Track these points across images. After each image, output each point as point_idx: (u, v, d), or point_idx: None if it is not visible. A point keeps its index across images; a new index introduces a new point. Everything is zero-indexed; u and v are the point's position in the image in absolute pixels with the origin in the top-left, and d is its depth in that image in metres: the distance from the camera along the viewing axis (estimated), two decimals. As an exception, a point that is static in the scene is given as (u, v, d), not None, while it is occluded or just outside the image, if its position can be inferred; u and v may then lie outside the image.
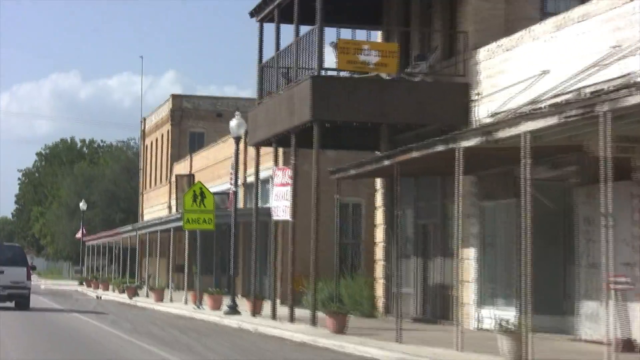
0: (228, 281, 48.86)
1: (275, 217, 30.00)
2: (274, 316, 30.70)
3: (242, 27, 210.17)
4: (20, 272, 35.82)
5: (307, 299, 37.33)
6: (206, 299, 39.17)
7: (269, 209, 32.84)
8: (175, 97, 68.53)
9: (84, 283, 76.66)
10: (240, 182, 48.73)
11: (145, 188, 77.79)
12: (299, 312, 29.98)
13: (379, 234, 32.00)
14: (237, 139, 34.65)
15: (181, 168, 64.80)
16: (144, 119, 78.72)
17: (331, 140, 29.89)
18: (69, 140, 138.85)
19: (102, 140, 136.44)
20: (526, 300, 17.12)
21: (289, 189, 28.52)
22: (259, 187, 34.85)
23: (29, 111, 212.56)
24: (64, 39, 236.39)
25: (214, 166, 53.00)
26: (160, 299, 45.99)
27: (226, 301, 37.86)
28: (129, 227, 56.93)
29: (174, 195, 65.61)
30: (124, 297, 53.46)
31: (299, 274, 38.33)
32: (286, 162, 35.01)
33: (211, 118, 68.16)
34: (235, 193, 34.73)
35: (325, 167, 27.91)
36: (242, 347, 22.15)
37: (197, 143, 67.08)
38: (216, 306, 37.54)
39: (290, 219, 28.55)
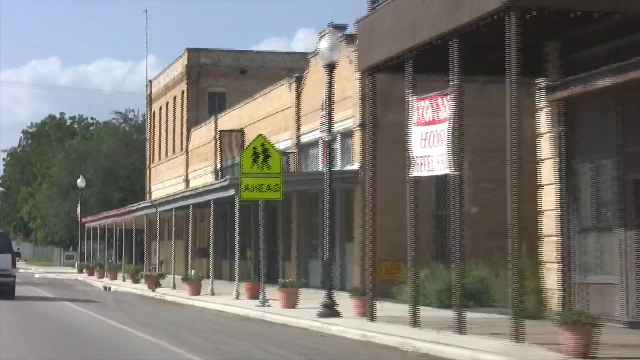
0: (269, 268, 38.58)
1: (417, 173, 19.97)
2: (379, 318, 20.80)
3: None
4: (5, 259, 33.99)
5: (404, 291, 27.72)
6: (269, 293, 29.25)
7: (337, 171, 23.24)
8: (191, 52, 58.23)
9: (85, 271, 66.45)
10: (292, 142, 38.62)
11: (153, 161, 67.52)
12: (391, 306, 24.31)
13: (548, 198, 21.94)
14: (331, 67, 24.54)
15: (201, 134, 54.58)
16: (150, 82, 68.36)
17: (475, 63, 19.97)
18: (57, 117, 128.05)
19: (92, 118, 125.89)
20: None
21: (445, 127, 18.46)
22: (369, 134, 24.89)
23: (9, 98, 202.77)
24: (42, 26, 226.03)
25: (256, 124, 42.78)
26: (196, 291, 35.92)
27: (305, 296, 28.12)
28: (146, 203, 46.73)
29: (195, 166, 55.42)
30: (140, 289, 43.42)
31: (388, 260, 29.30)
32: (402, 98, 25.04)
33: (233, 75, 58.05)
34: (330, 144, 24.52)
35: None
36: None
37: (217, 105, 56.92)
38: (290, 304, 27.56)
39: (452, 172, 18.47)
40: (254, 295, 31.40)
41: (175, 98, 61.00)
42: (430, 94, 19.40)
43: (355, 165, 33.05)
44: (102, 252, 79.38)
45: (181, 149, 58.84)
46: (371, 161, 22.54)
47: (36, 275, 67.21)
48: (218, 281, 41.07)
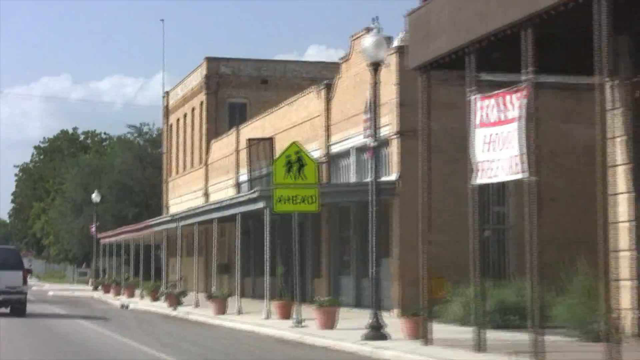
0: (291, 285, 36.25)
1: (480, 180, 17.91)
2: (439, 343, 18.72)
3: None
4: (16, 276, 33.59)
5: (450, 310, 25.83)
6: (305, 312, 27.25)
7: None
8: (210, 61, 56.27)
9: (100, 288, 64.44)
10: (321, 152, 36.63)
11: (171, 175, 65.55)
12: (440, 327, 21.75)
13: (622, 208, 19.84)
14: (376, 66, 22.49)
15: (222, 146, 52.61)
16: (167, 93, 66.44)
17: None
18: (70, 132, 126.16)
19: (105, 133, 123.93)
20: None
21: (514, 127, 16.40)
22: (423, 141, 22.88)
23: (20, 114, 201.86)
24: (54, 42, 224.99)
25: (282, 134, 40.76)
26: (222, 310, 33.89)
27: (340, 315, 26.10)
28: (166, 217, 44.74)
29: (215, 180, 53.43)
30: (160, 307, 41.43)
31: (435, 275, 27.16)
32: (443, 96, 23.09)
33: (254, 85, 56.08)
34: (375, 151, 22.46)
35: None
36: None
37: (238, 116, 54.94)
38: (328, 324, 25.50)
39: (526, 177, 16.38)
40: (286, 315, 29.39)
41: (193, 109, 59.07)
42: (496, 92, 17.35)
43: (393, 176, 31.02)
44: (117, 269, 77.45)
45: (200, 162, 56.87)
46: (426, 170, 20.51)
47: (50, 293, 65.26)
48: (242, 299, 39.03)
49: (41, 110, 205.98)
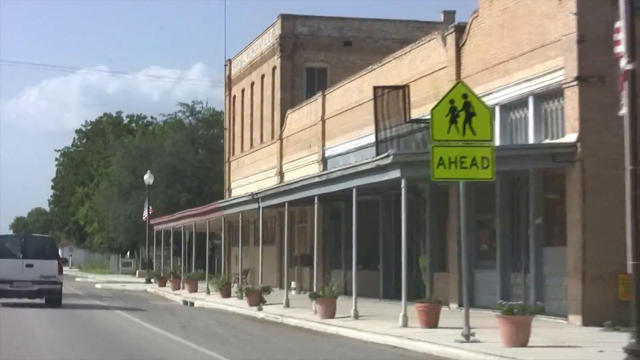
0: (408, 281, 27.91)
1: None
2: None
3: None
4: (51, 265, 33.14)
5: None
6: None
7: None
8: (285, 19, 48.43)
9: (154, 280, 57.04)
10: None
11: (234, 153, 57.88)
12: None
13: None
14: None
15: (301, 116, 44.94)
16: (229, 62, 58.69)
17: None
18: (113, 115, 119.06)
19: (152, 117, 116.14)
20: None
21: None
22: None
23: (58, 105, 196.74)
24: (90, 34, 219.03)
25: (372, 101, 32.83)
26: (330, 313, 26.17)
27: (489, 322, 18.58)
28: (244, 197, 36.93)
29: (292, 156, 45.73)
30: (236, 305, 33.93)
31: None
32: None
33: (336, 48, 48.40)
34: (633, 73, 14.53)
35: None
36: None
37: (317, 83, 47.26)
38: (517, 339, 17.70)
39: None
40: (432, 322, 21.70)
41: (263, 77, 51.35)
42: None
43: (569, 137, 23.18)
44: (173, 259, 70.15)
45: (272, 137, 49.19)
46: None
47: (97, 286, 57.95)
48: (343, 297, 31.24)
49: (79, 102, 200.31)
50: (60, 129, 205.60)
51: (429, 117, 28.84)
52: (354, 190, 25.47)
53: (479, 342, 18.43)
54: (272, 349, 19.28)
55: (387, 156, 22.38)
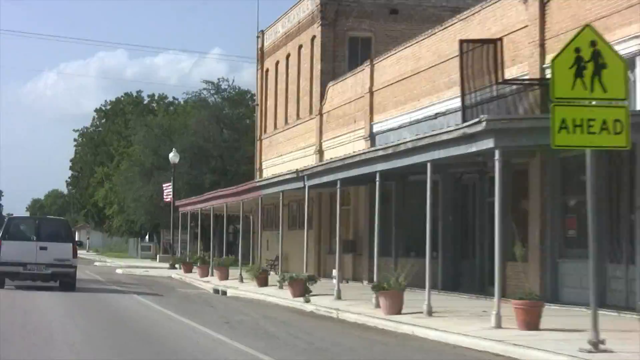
0: (466, 271, 23.88)
1: None
2: None
3: None
4: (66, 248, 32.20)
5: None
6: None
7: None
8: (327, -17, 44.57)
9: (179, 266, 53.37)
10: (530, 77, 24.94)
11: (265, 131, 54.02)
12: None
13: None
14: None
15: (344, 89, 41.04)
16: (262, 33, 54.76)
17: None
18: (134, 94, 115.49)
19: (174, 97, 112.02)
20: None
21: None
22: None
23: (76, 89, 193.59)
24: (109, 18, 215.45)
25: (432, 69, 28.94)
26: (396, 308, 22.34)
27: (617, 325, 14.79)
28: (288, 175, 33.04)
29: (334, 132, 41.83)
30: (275, 295, 30.25)
31: None
32: None
33: (381, 16, 44.46)
34: None
35: None
36: None
37: (360, 54, 43.38)
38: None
39: None
40: (532, 324, 17.85)
41: (300, 47, 47.44)
42: None
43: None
44: (187, 243, 66.59)
45: (310, 112, 45.31)
46: None
47: (118, 271, 54.25)
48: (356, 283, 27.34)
49: (97, 85, 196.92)
50: (78, 112, 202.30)
51: (526, 76, 25.03)
52: (428, 165, 21.57)
53: (611, 351, 14.61)
54: (335, 350, 15.43)
55: (479, 122, 18.44)
